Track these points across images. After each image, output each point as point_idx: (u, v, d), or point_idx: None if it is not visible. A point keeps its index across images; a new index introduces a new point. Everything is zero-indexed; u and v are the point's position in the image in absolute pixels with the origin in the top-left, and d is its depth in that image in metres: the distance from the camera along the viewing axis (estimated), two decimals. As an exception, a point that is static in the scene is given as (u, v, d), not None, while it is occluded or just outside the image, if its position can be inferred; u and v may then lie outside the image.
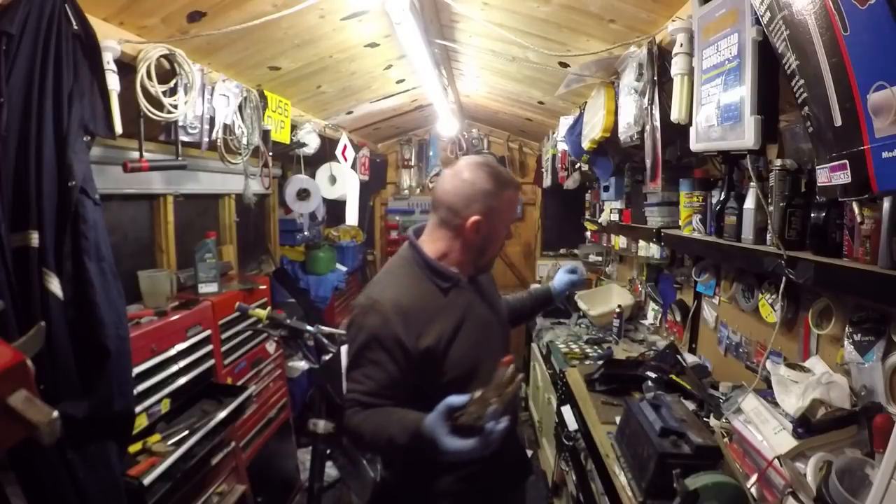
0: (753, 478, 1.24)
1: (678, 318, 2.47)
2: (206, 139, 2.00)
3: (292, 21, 1.77)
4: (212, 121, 2.01)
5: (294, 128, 2.85)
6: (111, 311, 1.32)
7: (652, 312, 2.92)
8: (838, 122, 0.86)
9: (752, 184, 1.36)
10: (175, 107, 1.70)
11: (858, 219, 1.01)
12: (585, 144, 2.29)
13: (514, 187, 1.27)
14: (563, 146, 3.06)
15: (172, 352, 1.80)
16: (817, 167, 0.95)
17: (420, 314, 1.16)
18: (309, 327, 1.93)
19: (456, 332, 1.19)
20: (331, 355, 1.92)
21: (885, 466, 0.86)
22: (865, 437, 1.09)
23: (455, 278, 1.24)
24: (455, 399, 1.01)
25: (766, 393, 1.37)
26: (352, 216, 4.06)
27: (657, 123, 1.62)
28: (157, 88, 1.60)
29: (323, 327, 1.98)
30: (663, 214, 2.10)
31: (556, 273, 1.77)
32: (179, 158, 1.86)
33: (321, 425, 1.90)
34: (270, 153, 2.57)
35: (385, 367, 1.13)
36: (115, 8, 1.47)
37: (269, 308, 2.31)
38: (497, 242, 1.28)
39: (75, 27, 1.29)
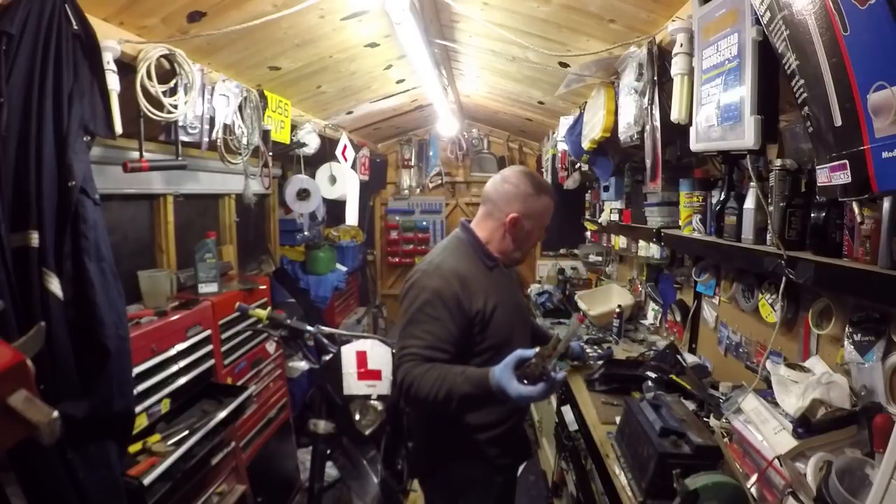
0: (753, 478, 1.24)
1: (678, 318, 2.46)
2: (206, 139, 2.00)
3: (292, 21, 1.78)
4: (212, 121, 2.01)
5: (294, 128, 2.85)
6: (111, 311, 1.32)
7: (652, 312, 2.92)
8: (838, 122, 0.86)
9: (752, 184, 1.36)
10: (175, 107, 1.70)
11: (858, 219, 1.01)
12: (585, 144, 2.29)
13: (550, 195, 1.48)
14: (563, 146, 3.06)
15: (172, 352, 1.80)
16: (817, 167, 0.95)
17: (473, 282, 1.35)
18: (309, 327, 1.94)
19: (497, 304, 1.38)
20: (331, 355, 1.92)
21: (885, 466, 0.86)
22: (865, 437, 1.09)
23: (497, 261, 1.46)
24: (524, 352, 1.15)
25: (766, 393, 1.37)
26: (352, 216, 4.06)
27: (657, 123, 1.62)
28: (157, 88, 1.60)
29: (323, 327, 1.99)
30: (663, 214, 2.10)
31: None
32: (179, 158, 1.87)
33: (321, 425, 1.90)
34: (270, 153, 2.57)
35: (445, 324, 1.28)
36: (115, 8, 1.47)
37: (269, 308, 2.31)
38: (531, 240, 1.50)
39: (75, 27, 1.29)
